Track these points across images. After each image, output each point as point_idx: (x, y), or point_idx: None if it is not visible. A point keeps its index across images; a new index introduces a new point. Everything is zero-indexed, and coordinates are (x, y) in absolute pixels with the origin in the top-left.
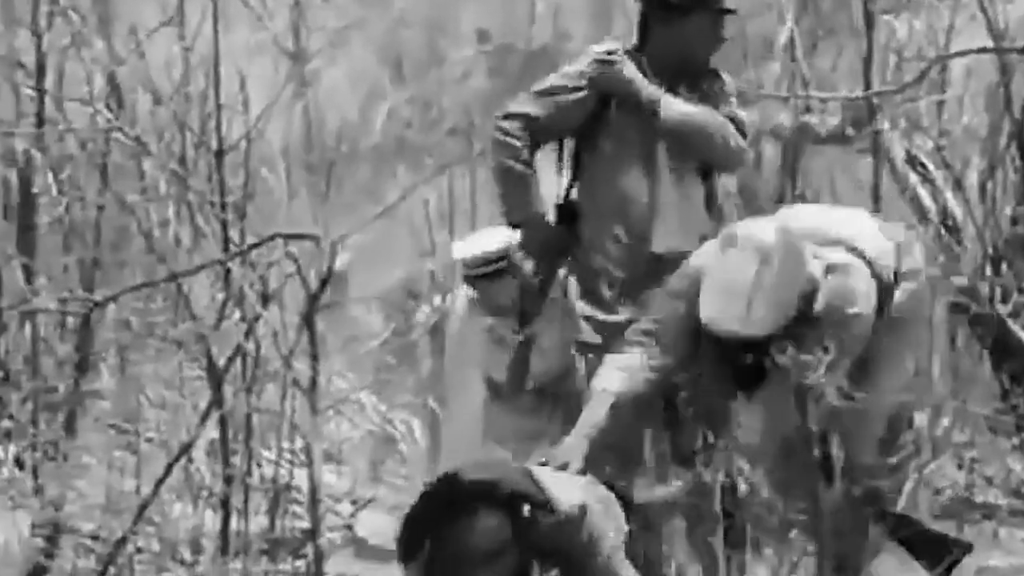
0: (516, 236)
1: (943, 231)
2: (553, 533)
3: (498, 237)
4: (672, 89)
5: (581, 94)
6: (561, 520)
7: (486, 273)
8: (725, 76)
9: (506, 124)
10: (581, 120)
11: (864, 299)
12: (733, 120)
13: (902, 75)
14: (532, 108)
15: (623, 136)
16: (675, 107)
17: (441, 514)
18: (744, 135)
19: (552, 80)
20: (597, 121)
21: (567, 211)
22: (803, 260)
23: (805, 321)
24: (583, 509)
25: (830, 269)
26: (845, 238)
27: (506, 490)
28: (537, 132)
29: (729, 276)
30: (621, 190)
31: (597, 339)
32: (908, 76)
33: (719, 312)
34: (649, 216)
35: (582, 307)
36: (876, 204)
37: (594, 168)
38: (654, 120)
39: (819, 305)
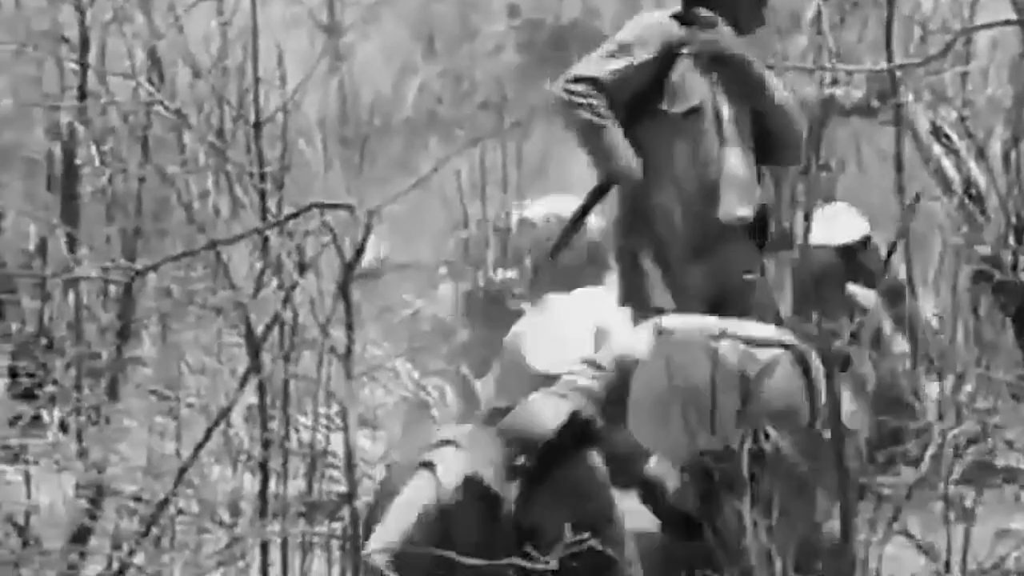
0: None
1: (967, 201)
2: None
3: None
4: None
5: (647, 57)
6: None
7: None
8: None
9: (575, 87)
10: (644, 84)
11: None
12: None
13: (927, 47)
14: (598, 71)
15: (692, 100)
16: (779, 88)
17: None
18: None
19: (610, 46)
20: (659, 85)
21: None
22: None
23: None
24: None
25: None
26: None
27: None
28: (604, 95)
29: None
30: (688, 155)
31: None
32: (933, 48)
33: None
34: (716, 183)
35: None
36: (899, 174)
37: (656, 132)
38: (759, 95)
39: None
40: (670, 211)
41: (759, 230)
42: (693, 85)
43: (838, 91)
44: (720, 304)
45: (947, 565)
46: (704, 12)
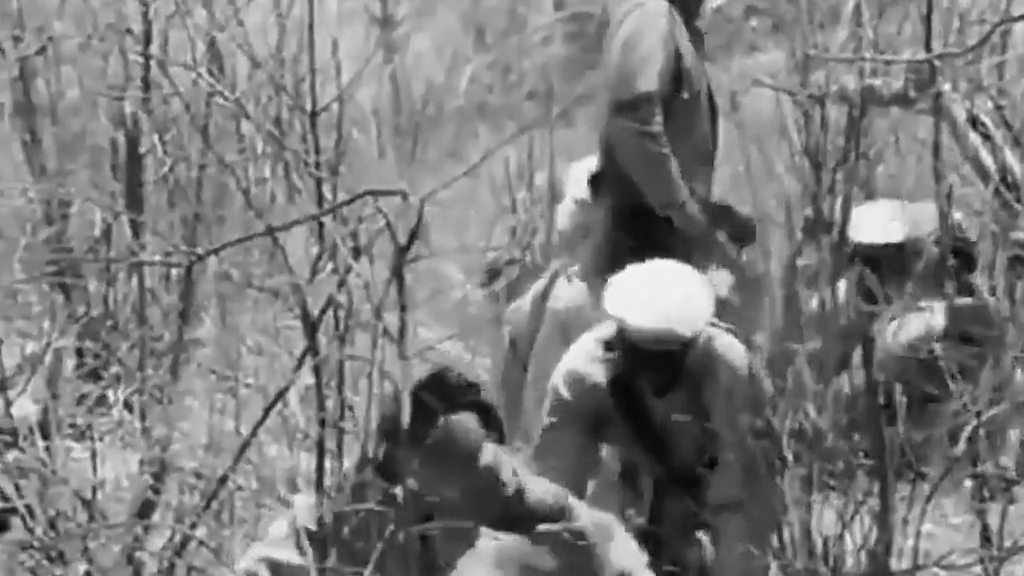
0: None
1: (1002, 188)
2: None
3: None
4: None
5: (670, 52)
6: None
7: None
8: None
9: (642, 112)
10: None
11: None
12: None
13: (964, 38)
14: (646, 85)
15: (696, 81)
16: None
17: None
18: None
19: (637, 52)
20: (677, 74)
21: None
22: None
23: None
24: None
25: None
26: None
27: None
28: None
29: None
30: (696, 141)
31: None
32: (970, 39)
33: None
34: (712, 159)
35: None
36: (937, 162)
37: (673, 113)
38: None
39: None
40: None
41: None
42: (695, 68)
43: (877, 82)
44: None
45: (986, 541)
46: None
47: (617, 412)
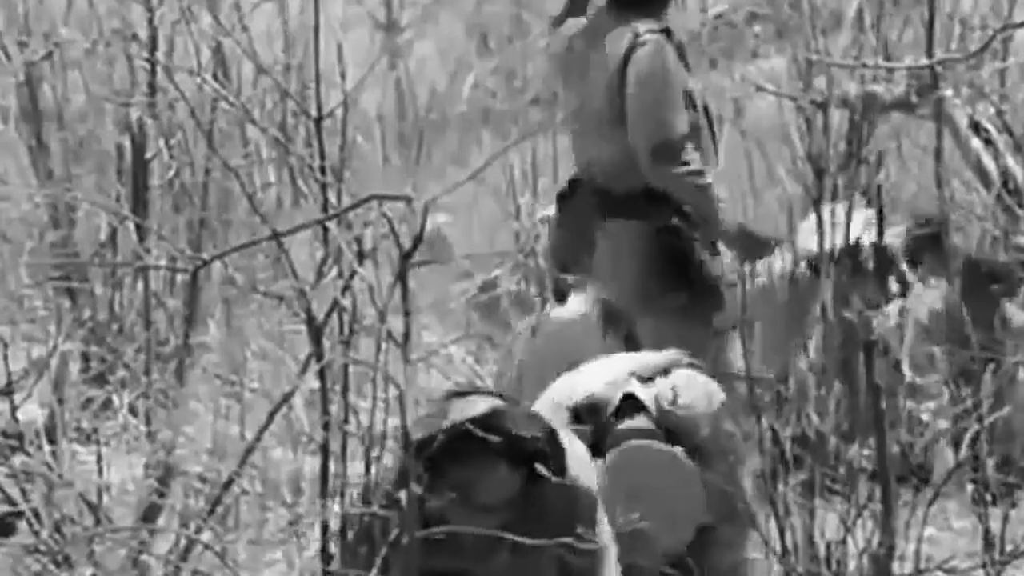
0: None
1: (1004, 192)
2: (558, 503)
3: None
4: None
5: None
6: (569, 494)
7: None
8: None
9: (683, 154)
10: None
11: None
12: None
13: (966, 44)
14: (681, 127)
15: (696, 99)
16: None
17: (456, 452)
18: None
19: (662, 95)
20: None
21: None
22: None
23: None
24: (592, 495)
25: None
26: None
27: (527, 449)
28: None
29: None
30: (708, 155)
31: None
32: (972, 46)
33: None
34: (715, 161)
35: None
36: (939, 167)
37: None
38: None
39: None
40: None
41: None
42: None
43: (879, 87)
44: None
45: (987, 545)
46: None
47: None
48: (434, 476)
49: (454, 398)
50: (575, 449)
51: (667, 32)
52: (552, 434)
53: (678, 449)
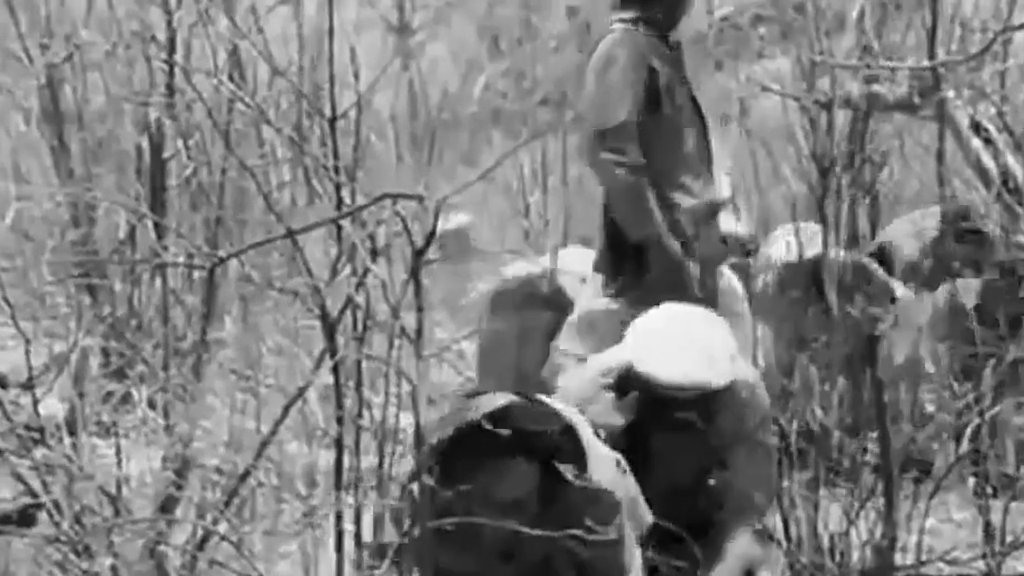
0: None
1: (1004, 192)
2: (578, 503)
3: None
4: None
5: (642, 74)
6: (589, 495)
7: None
8: None
9: (619, 142)
10: (647, 96)
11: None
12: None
13: (967, 46)
14: (621, 114)
15: (679, 94)
16: None
17: (472, 450)
18: None
19: (609, 80)
20: (655, 93)
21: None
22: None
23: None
24: (614, 497)
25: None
26: None
27: (544, 445)
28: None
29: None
30: (683, 154)
31: None
32: (973, 47)
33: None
34: (710, 164)
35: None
36: (940, 167)
37: (655, 131)
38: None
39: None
40: (675, 203)
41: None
42: (676, 83)
43: (882, 88)
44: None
45: (987, 537)
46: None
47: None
48: (450, 473)
49: (475, 397)
50: (597, 450)
51: (644, 22)
52: (570, 429)
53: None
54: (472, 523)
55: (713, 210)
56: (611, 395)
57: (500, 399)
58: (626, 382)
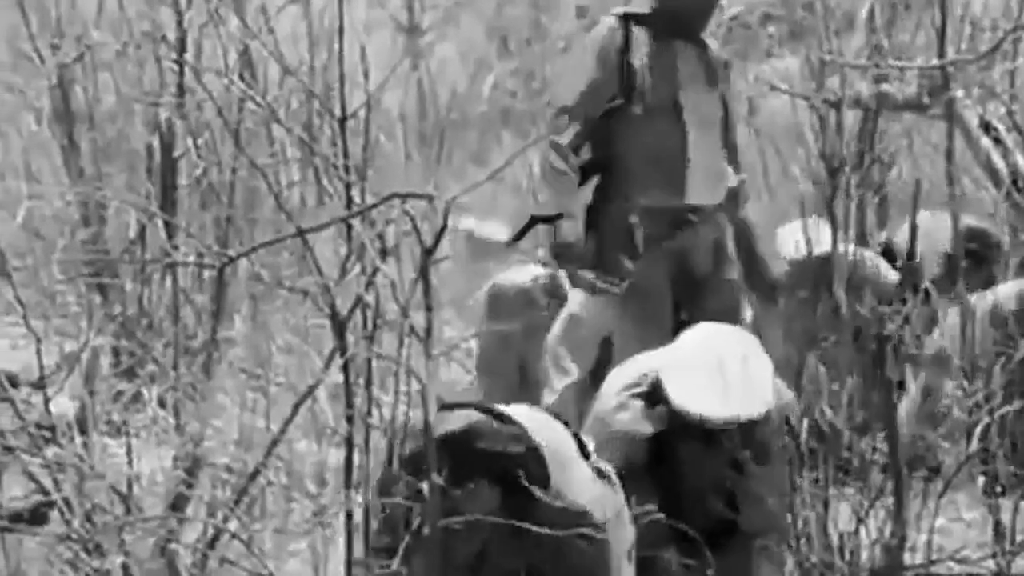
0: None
1: (1013, 191)
2: (549, 523)
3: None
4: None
5: (609, 71)
6: (560, 515)
7: None
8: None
9: (556, 123)
10: (613, 91)
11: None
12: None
13: (976, 45)
14: (562, 98)
15: (651, 99)
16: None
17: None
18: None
19: (566, 67)
20: (628, 88)
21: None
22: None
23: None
24: (589, 515)
25: None
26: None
27: (507, 466)
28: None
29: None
30: (653, 146)
31: None
32: (982, 46)
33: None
34: (681, 169)
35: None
36: (950, 166)
37: (624, 128)
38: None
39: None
40: (637, 199)
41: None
42: (655, 83)
43: (891, 87)
44: (684, 290)
45: (997, 536)
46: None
47: (647, 466)
48: (418, 488)
49: (446, 411)
50: (573, 470)
51: (637, 20)
52: (535, 451)
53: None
54: (443, 536)
55: (684, 216)
56: (640, 403)
57: (462, 419)
58: (656, 394)
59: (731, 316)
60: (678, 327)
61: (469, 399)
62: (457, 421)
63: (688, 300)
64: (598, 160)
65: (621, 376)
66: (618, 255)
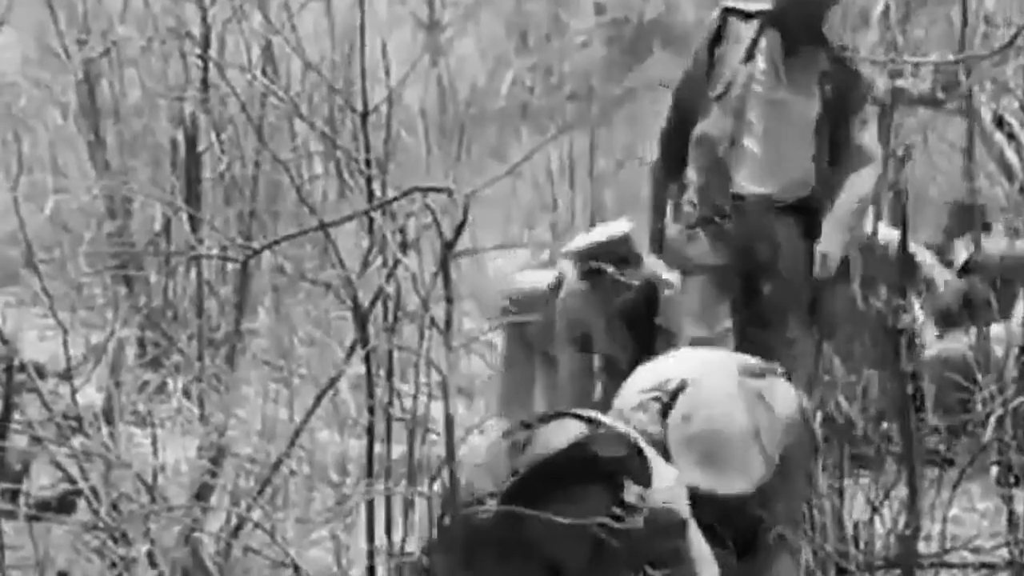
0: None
1: None
2: (650, 529)
3: (616, 225)
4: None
5: (702, 56)
6: (661, 520)
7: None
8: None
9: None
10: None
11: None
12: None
13: (990, 41)
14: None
15: (721, 86)
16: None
17: (547, 485)
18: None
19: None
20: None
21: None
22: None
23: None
24: (684, 522)
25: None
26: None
27: (608, 467)
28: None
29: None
30: (714, 133)
31: None
32: (996, 42)
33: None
34: (729, 154)
35: None
36: (969, 163)
37: (702, 115)
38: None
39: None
40: (691, 185)
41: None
42: (731, 68)
43: (905, 83)
44: (745, 279)
45: (1011, 526)
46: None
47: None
48: (522, 504)
49: (544, 422)
50: (660, 470)
51: (738, 12)
52: (638, 451)
53: (760, 383)
54: (520, 544)
55: (740, 203)
56: (657, 407)
57: (570, 430)
58: (675, 397)
59: (787, 311)
60: (744, 314)
61: (569, 409)
62: (566, 433)
63: (747, 288)
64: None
65: (646, 375)
66: (680, 238)
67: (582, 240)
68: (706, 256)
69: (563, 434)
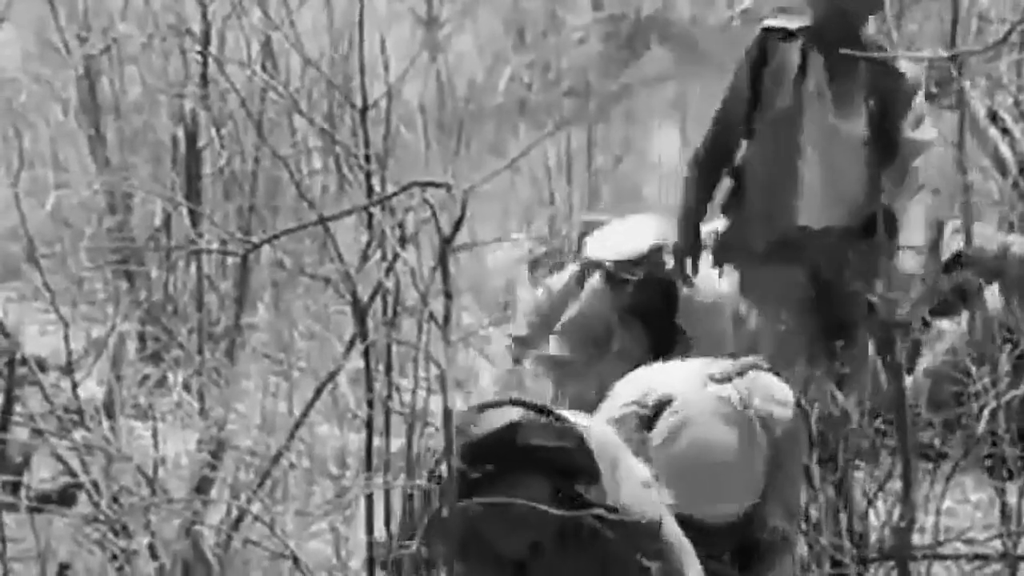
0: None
1: (1021, 180)
2: (621, 536)
3: (642, 231)
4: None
5: (744, 74)
6: (630, 523)
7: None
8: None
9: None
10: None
11: None
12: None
13: (984, 36)
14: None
15: (771, 112)
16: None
17: (484, 465)
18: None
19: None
20: (755, 98)
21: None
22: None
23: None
24: (656, 522)
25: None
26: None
27: (561, 465)
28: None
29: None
30: (767, 162)
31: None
32: (989, 38)
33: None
34: (791, 187)
35: None
36: (962, 154)
37: (751, 143)
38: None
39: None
40: (753, 216)
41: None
42: (779, 98)
43: None
44: (820, 310)
45: (1004, 517)
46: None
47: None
48: (464, 489)
49: (486, 410)
50: (632, 471)
51: (775, 31)
52: (582, 444)
53: (749, 411)
54: (487, 536)
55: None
56: (636, 420)
57: (508, 415)
58: (657, 412)
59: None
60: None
61: (509, 395)
62: (504, 417)
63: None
64: (732, 166)
65: (628, 387)
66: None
67: (607, 240)
68: (788, 289)
69: (501, 418)
